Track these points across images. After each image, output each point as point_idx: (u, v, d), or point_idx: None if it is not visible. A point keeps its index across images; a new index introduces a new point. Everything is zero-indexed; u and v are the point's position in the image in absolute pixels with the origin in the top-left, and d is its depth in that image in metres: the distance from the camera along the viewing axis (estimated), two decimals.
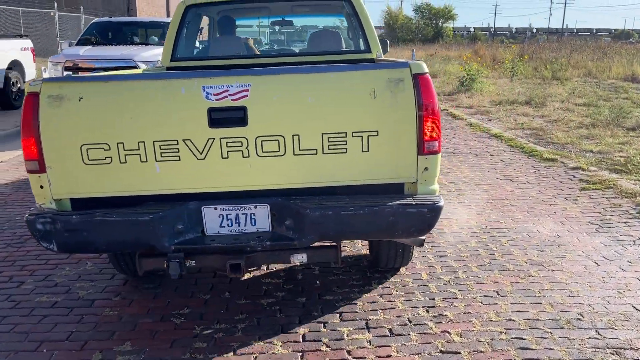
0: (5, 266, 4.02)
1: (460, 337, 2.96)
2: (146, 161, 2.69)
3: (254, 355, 2.84)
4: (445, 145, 7.99)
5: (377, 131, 2.68)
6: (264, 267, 3.90)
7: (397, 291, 3.49)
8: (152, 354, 2.87)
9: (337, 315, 3.22)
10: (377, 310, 3.26)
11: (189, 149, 2.68)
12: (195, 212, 2.79)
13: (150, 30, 11.41)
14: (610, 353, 2.78)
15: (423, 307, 3.29)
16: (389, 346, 2.89)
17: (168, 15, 31.22)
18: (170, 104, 2.65)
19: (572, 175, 6.14)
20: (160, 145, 2.67)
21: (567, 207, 5.10)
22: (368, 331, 3.04)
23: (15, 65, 11.78)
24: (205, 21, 6.47)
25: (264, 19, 8.22)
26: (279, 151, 2.69)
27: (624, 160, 6.62)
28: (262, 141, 2.67)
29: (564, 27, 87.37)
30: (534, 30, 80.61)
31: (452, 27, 73.56)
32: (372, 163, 2.72)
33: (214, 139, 2.66)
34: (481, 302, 3.32)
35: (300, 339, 2.98)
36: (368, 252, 4.06)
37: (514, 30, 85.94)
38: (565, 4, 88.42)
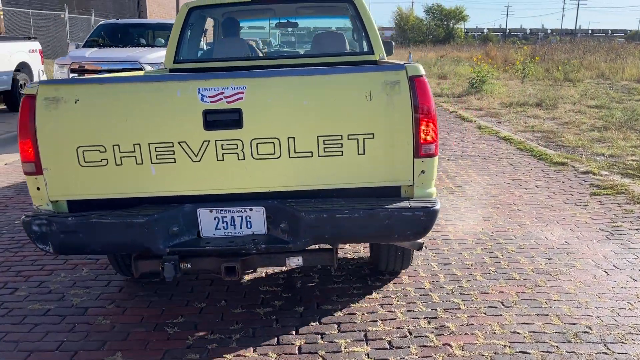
0: (0, 272, 3.97)
1: (462, 350, 2.84)
2: (142, 163, 2.68)
3: None
4: (453, 149, 7.85)
5: (372, 134, 2.65)
6: (263, 274, 3.81)
7: (398, 301, 3.38)
8: None
9: (335, 325, 3.12)
10: (376, 321, 3.16)
11: (185, 151, 2.67)
12: (191, 214, 2.77)
13: (157, 32, 11.38)
14: None
15: (424, 318, 3.17)
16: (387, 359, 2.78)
17: None
18: (166, 106, 2.64)
19: (582, 180, 5.99)
20: (155, 148, 2.66)
21: (576, 213, 4.95)
22: (366, 343, 2.93)
23: (23, 67, 11.82)
24: (210, 23, 6.45)
25: (266, 21, 8.16)
26: (274, 154, 2.67)
27: (637, 165, 6.45)
28: (257, 143, 2.66)
29: (577, 27, 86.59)
30: (549, 31, 79.79)
31: (464, 29, 73.22)
32: (368, 166, 2.69)
33: (209, 141, 2.65)
34: (485, 314, 3.20)
35: (296, 351, 2.88)
36: (370, 260, 3.96)
37: (528, 31, 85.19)
38: (579, 4, 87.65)
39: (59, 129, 2.65)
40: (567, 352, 2.80)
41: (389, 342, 2.93)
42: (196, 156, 2.67)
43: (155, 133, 2.65)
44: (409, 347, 2.88)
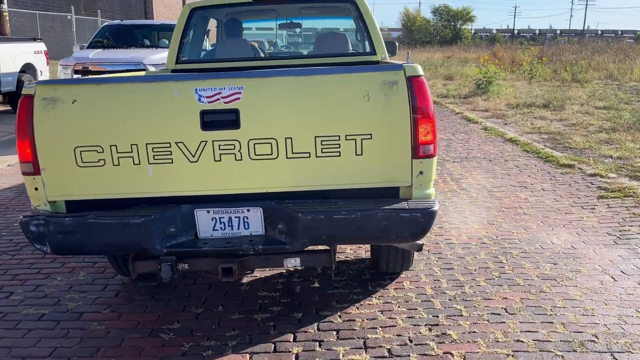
0: None
1: (464, 359, 2.76)
2: (139, 164, 2.68)
3: None
4: (458, 150, 7.76)
5: (370, 134, 2.63)
6: (262, 278, 3.74)
7: (399, 307, 3.30)
8: None
9: (334, 333, 3.04)
10: (376, 328, 3.08)
11: (182, 151, 2.66)
12: (188, 215, 2.76)
13: (162, 33, 11.35)
14: None
15: (425, 325, 3.09)
16: None
17: None
18: (163, 107, 2.63)
19: (589, 183, 5.88)
20: (153, 148, 2.66)
21: (583, 216, 4.85)
22: (365, 351, 2.85)
23: (28, 69, 11.83)
24: (214, 24, 6.42)
25: (272, 22, 8.14)
26: (271, 154, 2.65)
27: None
28: (254, 144, 2.64)
29: (586, 28, 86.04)
30: (558, 32, 79.18)
31: (472, 29, 72.98)
32: (366, 167, 2.67)
33: (206, 141, 2.64)
34: (488, 321, 3.12)
35: (293, 359, 2.81)
36: (371, 262, 3.88)
37: (537, 32, 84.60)
38: (587, 5, 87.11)
39: (56, 129, 2.65)
40: None
41: (389, 350, 2.85)
42: (193, 157, 2.66)
43: (153, 133, 2.65)
44: (409, 355, 2.81)
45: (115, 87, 2.69)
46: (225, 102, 2.60)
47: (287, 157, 2.65)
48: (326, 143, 2.64)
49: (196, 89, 2.60)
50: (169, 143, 2.65)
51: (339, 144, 2.64)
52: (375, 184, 2.72)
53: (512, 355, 2.77)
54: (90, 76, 8.57)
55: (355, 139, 2.63)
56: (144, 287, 3.68)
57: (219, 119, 2.62)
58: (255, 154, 2.65)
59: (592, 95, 13.23)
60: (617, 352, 2.78)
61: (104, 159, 2.67)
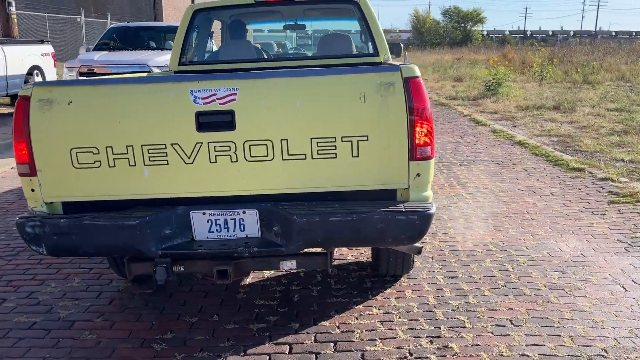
0: None
1: None
2: (135, 165, 2.67)
3: None
4: (465, 153, 7.62)
5: (367, 136, 2.61)
6: (260, 286, 3.64)
7: (399, 317, 3.19)
8: None
9: (332, 344, 2.93)
10: (375, 340, 2.96)
11: (177, 153, 2.65)
12: (184, 217, 2.75)
13: (168, 35, 11.32)
14: None
15: (427, 337, 2.97)
16: None
17: None
18: (159, 108, 2.63)
19: (600, 187, 5.72)
20: (148, 150, 2.65)
21: (593, 222, 4.70)
22: None
23: (35, 70, 11.84)
24: (218, 25, 6.37)
25: (277, 23, 8.09)
26: (267, 156, 2.64)
27: None
28: (250, 145, 2.63)
29: (598, 29, 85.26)
30: (571, 33, 78.37)
31: (482, 30, 72.53)
32: (362, 169, 2.66)
33: (202, 143, 2.63)
34: (492, 333, 2.99)
35: None
36: (372, 274, 3.78)
37: (550, 32, 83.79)
38: (599, 5, 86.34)
39: (52, 131, 2.65)
40: None
41: None
42: (189, 158, 2.65)
43: (148, 135, 2.64)
44: None
45: (111, 88, 2.69)
46: (220, 104, 2.59)
47: (282, 159, 2.63)
48: (322, 145, 2.62)
49: (191, 90, 2.59)
50: (165, 144, 2.63)
51: (335, 146, 2.61)
52: (372, 186, 2.69)
53: None
54: (103, 77, 8.54)
55: (351, 141, 2.61)
56: (139, 294, 3.59)
57: (215, 120, 2.60)
58: (251, 156, 2.63)
59: (603, 97, 13.01)
60: None
61: (100, 161, 2.66)
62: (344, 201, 2.71)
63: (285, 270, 2.93)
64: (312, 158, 2.63)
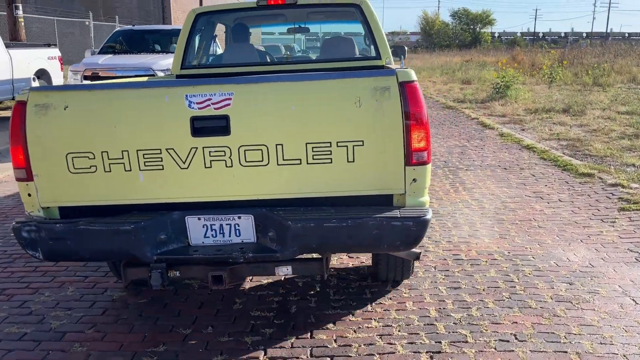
0: None
1: None
2: (130, 170, 2.67)
3: None
4: (472, 158, 7.49)
5: (362, 141, 2.58)
6: (257, 296, 3.54)
7: (399, 331, 3.08)
8: None
9: (328, 359, 2.83)
10: (373, 355, 2.85)
11: (172, 158, 2.64)
12: (179, 222, 2.74)
13: (174, 38, 11.27)
14: None
15: (427, 352, 2.86)
16: None
17: None
18: (154, 113, 2.63)
19: (610, 193, 5.57)
20: (143, 155, 2.65)
21: (603, 230, 4.56)
22: None
23: (42, 74, 11.84)
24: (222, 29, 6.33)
25: (281, 26, 8.03)
26: (262, 161, 2.62)
27: None
28: (245, 150, 2.61)
29: (609, 31, 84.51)
30: (584, 35, 77.58)
31: (495, 33, 72.21)
32: (358, 174, 2.63)
33: (196, 148, 2.62)
34: (495, 349, 2.87)
35: None
36: (372, 283, 3.67)
37: (562, 34, 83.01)
38: (610, 7, 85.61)
39: (48, 136, 2.65)
40: None
41: None
42: (184, 163, 2.64)
43: (143, 140, 2.63)
44: None
45: (106, 93, 2.67)
46: (215, 108, 2.57)
47: (277, 164, 2.62)
48: (317, 150, 2.60)
49: (186, 95, 2.57)
50: (160, 149, 2.63)
51: (331, 151, 2.59)
52: (368, 191, 2.67)
53: None
54: (99, 82, 8.52)
55: (347, 146, 2.58)
56: (133, 303, 3.51)
57: (209, 125, 2.59)
58: (246, 161, 2.62)
59: (614, 100, 12.81)
60: None
61: (96, 166, 2.66)
62: (340, 206, 2.69)
63: (281, 276, 2.89)
64: (308, 163, 2.61)
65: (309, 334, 3.08)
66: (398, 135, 2.57)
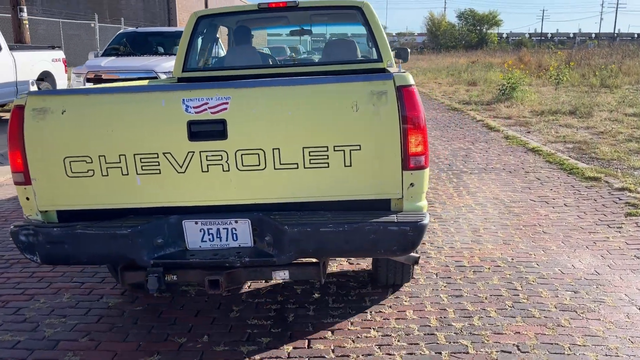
0: None
1: None
2: (127, 174, 2.68)
3: None
4: (477, 161, 7.40)
5: (359, 145, 2.57)
6: (254, 304, 3.48)
7: (399, 341, 3.00)
8: None
9: None
10: None
11: (169, 162, 2.64)
12: (177, 226, 2.73)
13: (177, 41, 11.25)
14: None
15: None
16: None
17: None
18: (151, 117, 2.63)
19: (617, 198, 5.47)
20: (140, 159, 2.65)
21: (609, 236, 4.47)
22: None
23: (46, 77, 11.86)
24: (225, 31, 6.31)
25: (283, 29, 8.00)
26: (259, 165, 2.62)
27: None
28: (242, 155, 2.61)
29: (617, 31, 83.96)
30: (593, 35, 77.03)
31: (504, 34, 71.90)
32: (355, 178, 2.62)
33: (193, 152, 2.62)
34: None
35: None
36: (372, 290, 3.60)
37: (570, 35, 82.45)
38: (617, 7, 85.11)
39: (46, 140, 2.66)
40: None
41: None
42: (181, 167, 2.64)
43: (140, 144, 2.64)
44: None
45: (104, 97, 2.69)
46: (212, 113, 2.57)
47: (274, 168, 2.61)
48: (314, 154, 2.59)
49: (183, 99, 2.57)
50: (157, 153, 2.63)
51: (328, 155, 2.58)
52: (365, 196, 2.66)
53: None
54: (102, 84, 8.50)
55: (344, 150, 2.57)
56: (128, 311, 3.45)
57: (206, 130, 2.58)
58: (243, 165, 2.61)
59: (622, 102, 12.67)
60: None
61: (93, 170, 2.67)
62: (337, 211, 2.67)
63: (278, 280, 2.81)
64: (305, 167, 2.60)
65: (306, 343, 3.01)
66: (395, 140, 2.55)
